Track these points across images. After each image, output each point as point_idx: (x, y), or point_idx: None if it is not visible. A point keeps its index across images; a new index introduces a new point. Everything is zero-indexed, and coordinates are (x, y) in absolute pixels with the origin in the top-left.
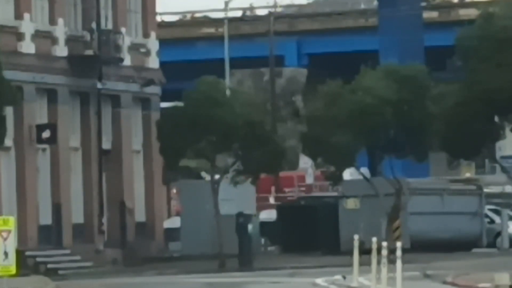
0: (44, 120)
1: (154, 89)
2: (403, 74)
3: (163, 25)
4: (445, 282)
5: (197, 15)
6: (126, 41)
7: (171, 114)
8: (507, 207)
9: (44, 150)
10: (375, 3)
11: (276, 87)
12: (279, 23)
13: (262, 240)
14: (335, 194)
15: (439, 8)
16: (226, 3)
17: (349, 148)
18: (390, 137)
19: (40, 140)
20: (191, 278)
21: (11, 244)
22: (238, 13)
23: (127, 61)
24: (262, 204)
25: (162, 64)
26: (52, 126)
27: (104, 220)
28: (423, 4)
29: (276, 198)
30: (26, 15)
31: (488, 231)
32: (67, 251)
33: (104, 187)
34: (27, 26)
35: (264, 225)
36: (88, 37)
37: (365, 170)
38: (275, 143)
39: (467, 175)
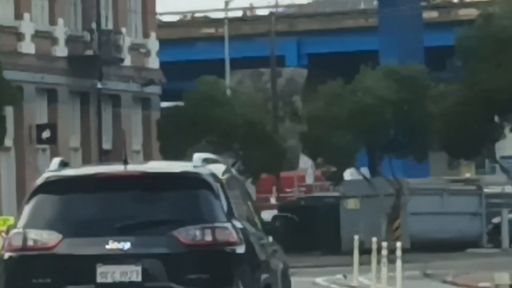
0: (44, 120)
1: (154, 89)
2: (403, 74)
3: (163, 25)
4: (445, 282)
5: (197, 15)
6: (126, 41)
7: (172, 114)
8: (507, 207)
9: (44, 150)
10: (375, 3)
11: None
12: (279, 23)
13: None
14: (335, 194)
15: (439, 8)
16: (226, 3)
17: (349, 148)
18: (390, 137)
19: (40, 140)
20: None
21: None
22: (239, 13)
23: (127, 61)
24: (263, 204)
25: (162, 64)
26: (52, 126)
27: None
28: (423, 4)
29: (277, 198)
30: (26, 15)
31: None
32: None
33: None
34: (27, 26)
35: (265, 225)
36: (88, 37)
37: (365, 170)
38: (275, 143)
39: (467, 175)
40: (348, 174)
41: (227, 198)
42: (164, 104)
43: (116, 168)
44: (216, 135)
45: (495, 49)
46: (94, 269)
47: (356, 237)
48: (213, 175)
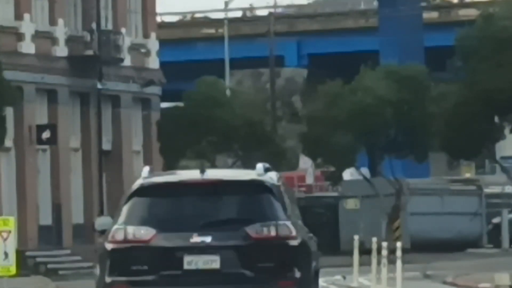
0: (44, 120)
1: (154, 90)
2: (403, 74)
3: (163, 25)
4: (445, 282)
5: (197, 15)
6: (126, 41)
7: (171, 115)
8: (507, 207)
9: (44, 150)
10: (375, 3)
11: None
12: (279, 24)
13: None
14: (335, 194)
15: (439, 8)
16: (226, 4)
17: (349, 148)
18: (390, 137)
19: (40, 141)
20: None
21: (11, 244)
22: (238, 14)
23: (127, 62)
24: None
25: (162, 64)
26: (52, 126)
27: None
28: (423, 4)
29: None
30: (26, 16)
31: None
32: (67, 251)
33: (104, 187)
34: (27, 26)
35: None
36: (88, 37)
37: (365, 170)
38: (275, 143)
39: (467, 175)
40: (348, 174)
41: (284, 200)
42: (164, 105)
43: (196, 175)
44: (216, 135)
45: (495, 49)
46: (182, 258)
47: (356, 237)
48: (273, 182)
